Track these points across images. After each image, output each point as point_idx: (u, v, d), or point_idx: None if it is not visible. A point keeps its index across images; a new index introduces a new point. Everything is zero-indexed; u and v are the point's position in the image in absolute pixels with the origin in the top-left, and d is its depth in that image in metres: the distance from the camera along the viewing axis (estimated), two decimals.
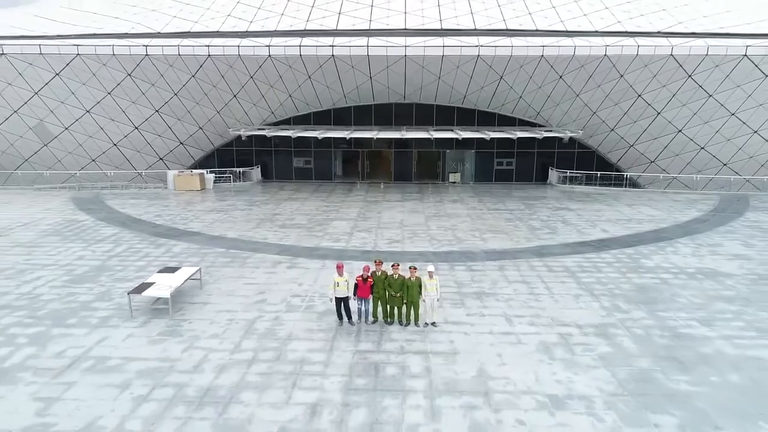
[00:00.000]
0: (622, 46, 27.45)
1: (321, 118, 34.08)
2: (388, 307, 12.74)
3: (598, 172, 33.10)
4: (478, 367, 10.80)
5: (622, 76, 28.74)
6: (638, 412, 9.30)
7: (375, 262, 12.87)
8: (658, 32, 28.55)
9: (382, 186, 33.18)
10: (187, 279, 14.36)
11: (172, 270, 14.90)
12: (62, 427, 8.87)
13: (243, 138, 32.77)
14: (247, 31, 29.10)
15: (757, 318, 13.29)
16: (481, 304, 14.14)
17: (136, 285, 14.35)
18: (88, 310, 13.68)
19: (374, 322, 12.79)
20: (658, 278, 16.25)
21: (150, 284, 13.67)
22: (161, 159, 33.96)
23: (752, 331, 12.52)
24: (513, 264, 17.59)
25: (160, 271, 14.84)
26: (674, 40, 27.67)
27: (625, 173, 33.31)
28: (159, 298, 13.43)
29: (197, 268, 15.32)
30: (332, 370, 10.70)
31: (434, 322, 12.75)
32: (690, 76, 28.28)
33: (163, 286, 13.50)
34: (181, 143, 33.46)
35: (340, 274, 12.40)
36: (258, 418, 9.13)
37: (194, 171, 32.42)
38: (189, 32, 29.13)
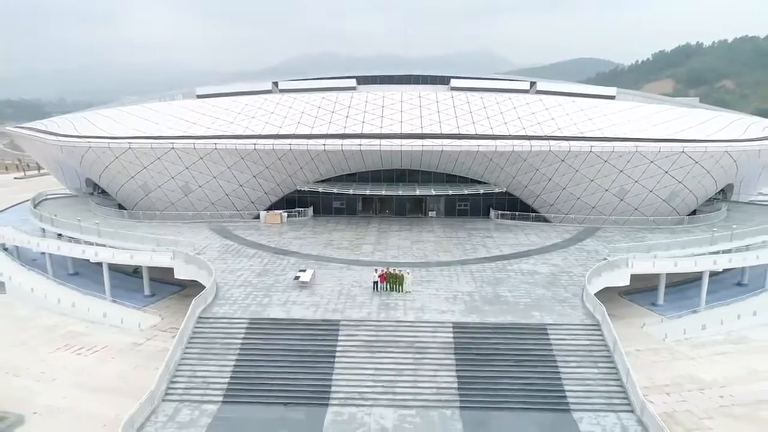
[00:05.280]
0: (522, 145, 48.93)
1: (350, 176, 55.72)
2: (392, 284, 34.22)
3: (517, 212, 54.72)
4: (421, 304, 32.41)
5: (525, 160, 50.19)
6: (466, 314, 30.91)
7: (386, 268, 34.52)
8: (546, 136, 50.09)
9: (387, 211, 55.93)
10: (312, 274, 35.94)
11: (304, 270, 36.49)
12: (296, 317, 30.49)
13: (302, 189, 54.50)
14: (310, 134, 50.72)
15: (532, 290, 34.75)
16: (428, 285, 35.67)
17: (292, 277, 35.90)
18: (275, 286, 35.21)
19: (386, 290, 34.30)
20: (507, 274, 37.77)
21: (299, 276, 35.30)
22: (252, 202, 55.60)
23: (524, 294, 34.02)
24: (447, 269, 39.13)
25: (299, 271, 36.42)
26: (553, 142, 49.14)
27: (537, 212, 54.82)
28: (304, 281, 34.96)
29: (313, 270, 36.90)
30: (372, 304, 32.34)
31: (409, 291, 34.23)
32: (563, 160, 49.73)
33: (305, 276, 35.14)
34: (265, 193, 55.08)
35: (376, 272, 34.03)
36: (353, 314, 30.76)
37: (276, 211, 54.14)
38: (277, 134, 50.77)
